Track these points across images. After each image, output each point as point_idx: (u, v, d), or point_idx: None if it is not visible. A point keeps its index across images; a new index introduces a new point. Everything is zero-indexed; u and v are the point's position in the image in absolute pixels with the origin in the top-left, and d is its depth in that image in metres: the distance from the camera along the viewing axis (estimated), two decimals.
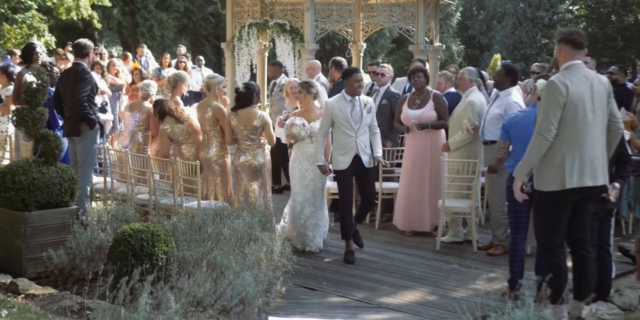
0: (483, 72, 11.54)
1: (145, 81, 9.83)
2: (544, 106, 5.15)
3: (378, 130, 7.70)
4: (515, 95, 7.69)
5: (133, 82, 10.99)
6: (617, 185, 5.69)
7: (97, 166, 9.12)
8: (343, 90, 7.49)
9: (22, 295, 5.61)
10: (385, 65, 9.77)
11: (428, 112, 8.36)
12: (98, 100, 9.78)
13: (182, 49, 18.09)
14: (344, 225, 7.52)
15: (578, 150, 5.12)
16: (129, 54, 17.28)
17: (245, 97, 7.93)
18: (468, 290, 6.60)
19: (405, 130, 8.52)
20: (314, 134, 7.61)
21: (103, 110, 10.07)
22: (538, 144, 5.13)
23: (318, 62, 11.52)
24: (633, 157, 6.47)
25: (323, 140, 7.45)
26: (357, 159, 7.41)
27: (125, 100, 12.53)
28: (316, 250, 7.68)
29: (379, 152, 7.65)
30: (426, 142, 8.37)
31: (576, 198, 5.20)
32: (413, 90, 9.90)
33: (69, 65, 10.32)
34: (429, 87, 8.61)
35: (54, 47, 18.54)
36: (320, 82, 10.38)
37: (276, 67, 11.37)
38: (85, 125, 8.11)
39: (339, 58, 10.40)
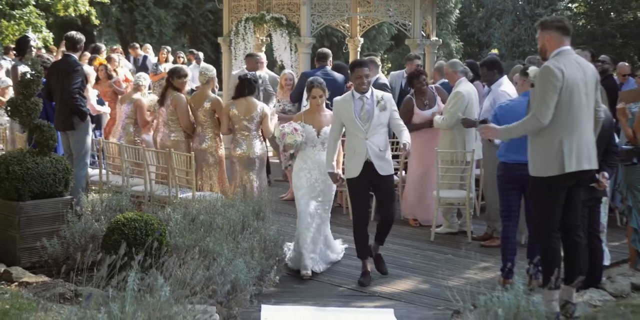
0: None
1: (138, 73, 9.87)
2: (540, 91, 5.17)
3: (404, 128, 6.67)
4: (506, 84, 7.71)
5: (98, 79, 10.89)
6: (606, 174, 5.75)
7: (95, 159, 9.15)
8: (353, 87, 6.67)
9: (16, 283, 5.64)
10: (375, 58, 9.79)
11: (442, 107, 8.38)
12: (94, 92, 9.80)
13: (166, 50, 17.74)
14: (358, 243, 6.64)
15: (575, 134, 5.16)
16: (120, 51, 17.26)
17: (249, 86, 7.94)
18: (461, 279, 6.62)
19: None
20: (327, 140, 6.78)
21: (101, 102, 10.07)
22: (531, 125, 5.18)
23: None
24: (623, 147, 6.52)
25: (334, 145, 6.57)
26: (369, 166, 6.46)
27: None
28: (319, 269, 6.73)
29: (404, 140, 6.54)
30: (433, 134, 8.39)
31: (572, 183, 5.22)
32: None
33: None
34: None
35: (52, 43, 18.56)
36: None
37: (253, 59, 11.36)
38: (77, 118, 8.12)
39: (322, 49, 10.28)
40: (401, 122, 6.67)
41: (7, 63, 12.37)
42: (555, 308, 5.05)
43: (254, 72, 9.44)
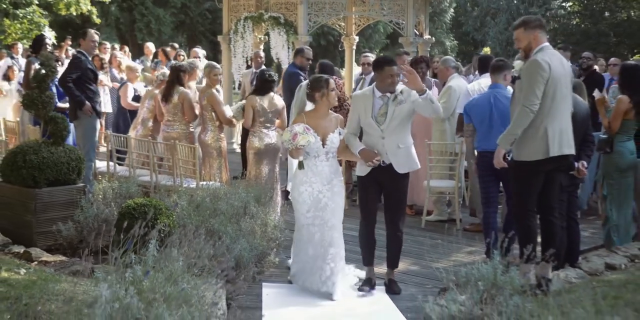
0: None
1: (161, 71, 10.32)
2: (527, 82, 5.59)
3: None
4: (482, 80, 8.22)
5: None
6: (584, 163, 6.22)
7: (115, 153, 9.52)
8: (374, 83, 6.13)
9: (36, 262, 6.07)
10: (369, 54, 10.21)
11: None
12: (132, 89, 10.32)
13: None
14: (362, 248, 6.40)
15: (558, 122, 5.61)
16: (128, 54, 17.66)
17: (271, 83, 8.25)
18: (449, 261, 7.06)
19: None
20: (333, 149, 6.17)
21: (138, 99, 10.49)
22: (523, 116, 5.57)
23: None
24: (600, 136, 6.99)
25: (354, 138, 6.12)
26: (381, 166, 6.03)
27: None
28: (332, 293, 6.04)
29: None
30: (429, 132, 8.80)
31: (551, 167, 5.67)
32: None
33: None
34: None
35: (55, 42, 18.94)
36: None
37: (257, 54, 11.88)
38: (79, 109, 8.43)
39: (302, 47, 10.55)
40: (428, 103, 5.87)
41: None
42: (530, 280, 5.49)
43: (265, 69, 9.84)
